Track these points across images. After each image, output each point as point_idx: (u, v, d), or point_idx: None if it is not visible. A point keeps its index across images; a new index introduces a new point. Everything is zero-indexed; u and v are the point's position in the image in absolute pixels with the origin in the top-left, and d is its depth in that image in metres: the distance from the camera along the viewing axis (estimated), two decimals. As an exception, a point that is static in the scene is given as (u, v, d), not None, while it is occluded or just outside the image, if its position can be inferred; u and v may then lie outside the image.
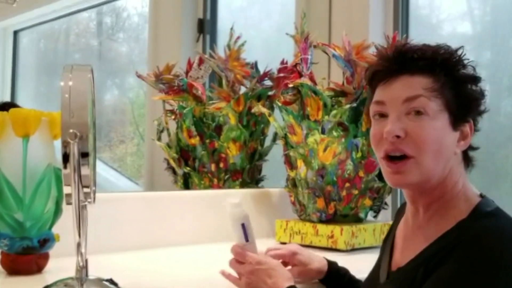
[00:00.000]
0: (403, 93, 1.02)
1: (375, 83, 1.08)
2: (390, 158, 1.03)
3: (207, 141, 2.18)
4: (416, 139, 1.00)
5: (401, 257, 1.10)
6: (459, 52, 1.05)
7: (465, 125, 1.05)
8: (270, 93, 2.14)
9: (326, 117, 1.78)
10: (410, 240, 1.09)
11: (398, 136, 1.01)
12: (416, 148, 1.01)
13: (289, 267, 1.32)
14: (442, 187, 1.04)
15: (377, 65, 1.09)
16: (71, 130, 0.97)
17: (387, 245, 1.17)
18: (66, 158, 0.98)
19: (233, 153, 2.14)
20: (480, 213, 1.01)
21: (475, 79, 1.05)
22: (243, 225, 1.25)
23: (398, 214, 1.21)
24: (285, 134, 1.88)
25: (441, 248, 0.98)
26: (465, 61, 1.05)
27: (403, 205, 1.20)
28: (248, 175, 2.19)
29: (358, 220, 1.84)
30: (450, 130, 1.03)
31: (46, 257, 1.38)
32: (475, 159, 1.09)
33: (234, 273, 1.27)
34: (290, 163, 1.89)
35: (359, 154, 1.78)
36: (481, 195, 1.06)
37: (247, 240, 1.25)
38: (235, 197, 1.27)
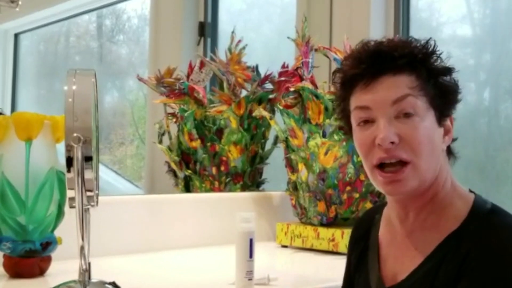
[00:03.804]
0: (389, 95, 0.97)
1: (350, 87, 1.02)
2: (382, 166, 0.98)
3: (208, 144, 2.18)
4: (411, 142, 0.96)
5: (397, 265, 1.04)
6: (431, 44, 1.01)
7: (447, 119, 1.02)
8: (271, 96, 2.14)
9: (327, 120, 1.78)
10: (404, 247, 1.04)
11: (392, 142, 0.96)
12: (412, 152, 0.96)
13: None
14: (435, 186, 1.01)
15: (353, 67, 1.01)
16: (75, 134, 0.97)
17: (371, 257, 1.10)
18: (69, 162, 0.98)
19: (234, 156, 2.15)
20: (481, 211, 0.98)
21: (450, 70, 1.01)
22: (251, 240, 1.27)
23: (370, 223, 1.14)
24: (286, 138, 1.88)
25: (452, 252, 0.95)
26: (438, 52, 1.01)
27: (372, 213, 1.15)
28: (249, 178, 2.19)
29: (359, 223, 1.84)
30: (437, 127, 0.99)
31: (48, 260, 1.38)
32: (456, 150, 1.05)
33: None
34: (291, 167, 1.89)
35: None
36: (470, 190, 1.03)
37: (251, 256, 1.27)
38: (247, 213, 1.29)
